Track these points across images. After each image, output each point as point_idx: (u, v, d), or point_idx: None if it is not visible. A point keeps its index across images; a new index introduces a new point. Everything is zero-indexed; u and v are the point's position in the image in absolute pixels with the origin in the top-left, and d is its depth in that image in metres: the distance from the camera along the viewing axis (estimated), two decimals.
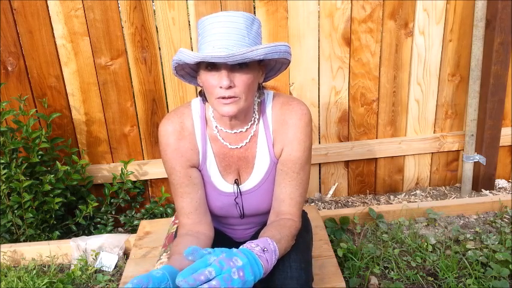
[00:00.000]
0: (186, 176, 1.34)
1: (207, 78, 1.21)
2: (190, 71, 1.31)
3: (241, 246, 1.11)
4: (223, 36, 1.16)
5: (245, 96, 1.21)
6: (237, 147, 1.36)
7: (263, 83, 1.34)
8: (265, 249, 1.12)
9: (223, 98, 1.19)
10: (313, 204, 2.61)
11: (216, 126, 1.34)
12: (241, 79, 1.19)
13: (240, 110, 1.23)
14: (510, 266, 1.95)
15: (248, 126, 1.34)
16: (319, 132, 2.55)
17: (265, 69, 1.33)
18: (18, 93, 2.29)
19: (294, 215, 1.34)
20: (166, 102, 2.41)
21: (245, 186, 1.39)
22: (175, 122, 1.34)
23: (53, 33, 2.23)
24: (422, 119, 2.57)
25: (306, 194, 1.40)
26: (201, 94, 1.35)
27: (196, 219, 1.35)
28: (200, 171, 1.37)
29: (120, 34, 2.26)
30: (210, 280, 0.97)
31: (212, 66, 1.19)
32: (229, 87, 1.18)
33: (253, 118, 1.34)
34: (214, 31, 1.17)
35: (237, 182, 1.38)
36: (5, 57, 2.24)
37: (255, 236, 1.50)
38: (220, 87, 1.18)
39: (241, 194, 1.39)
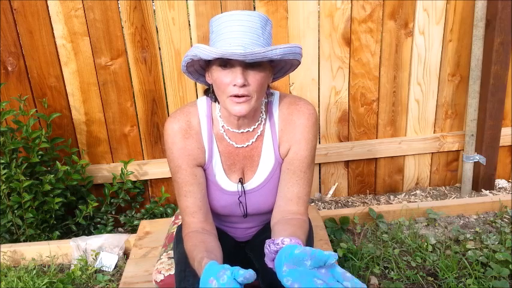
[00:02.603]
0: (192, 175, 1.33)
1: (219, 75, 1.20)
2: (199, 68, 1.31)
3: (290, 243, 1.06)
4: (239, 34, 1.17)
5: (257, 96, 1.21)
6: (242, 146, 1.36)
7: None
8: None
9: (236, 96, 1.19)
10: (313, 204, 2.61)
11: (223, 126, 1.34)
12: (254, 78, 1.19)
13: (251, 110, 1.23)
14: (510, 266, 1.95)
15: (255, 126, 1.34)
16: (319, 132, 2.55)
17: (274, 70, 1.33)
18: (18, 93, 2.29)
19: (303, 214, 1.34)
20: (166, 102, 2.41)
21: (249, 185, 1.39)
22: (181, 121, 1.33)
23: (53, 33, 2.23)
24: (422, 119, 2.57)
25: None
26: (207, 93, 1.35)
27: (202, 218, 1.35)
28: (205, 170, 1.37)
29: (120, 34, 2.26)
30: None
31: (226, 63, 1.19)
32: (243, 85, 1.18)
33: (260, 118, 1.34)
34: (230, 29, 1.17)
35: (241, 181, 1.38)
36: (5, 57, 2.24)
37: (257, 236, 1.50)
38: (234, 85, 1.18)
39: (245, 193, 1.39)
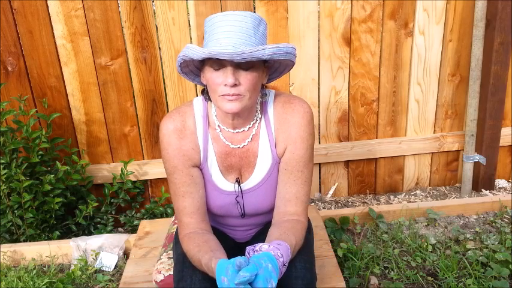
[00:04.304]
0: (188, 175, 1.34)
1: (211, 75, 1.21)
2: (194, 69, 1.31)
3: (267, 250, 1.11)
4: (231, 34, 1.17)
5: (249, 95, 1.22)
6: (238, 147, 1.36)
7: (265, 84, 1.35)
8: (285, 264, 1.13)
9: (228, 95, 1.19)
10: (313, 204, 2.61)
11: (219, 125, 1.34)
12: (246, 78, 1.20)
13: (244, 108, 1.23)
14: (510, 266, 1.95)
15: (250, 126, 1.34)
16: (319, 132, 2.55)
17: (269, 70, 1.33)
18: (18, 93, 2.29)
19: (300, 215, 1.34)
20: (166, 102, 2.41)
21: (246, 185, 1.39)
22: (177, 121, 1.33)
23: (53, 33, 2.23)
24: (422, 119, 2.57)
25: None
26: (204, 93, 1.35)
27: (199, 218, 1.35)
28: (201, 170, 1.37)
29: (120, 34, 2.26)
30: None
31: (218, 63, 1.19)
32: (234, 85, 1.18)
33: (255, 117, 1.34)
34: (222, 29, 1.18)
35: (238, 181, 1.38)
36: (5, 57, 2.24)
37: (257, 237, 1.50)
38: (225, 84, 1.19)
39: (242, 193, 1.39)
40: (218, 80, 1.20)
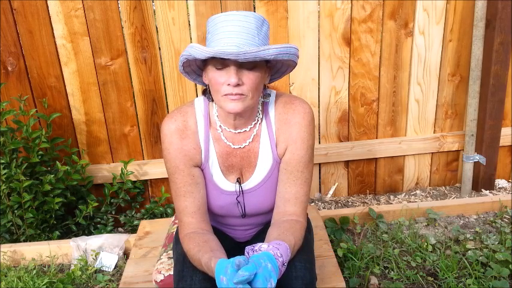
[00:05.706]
0: (190, 175, 1.34)
1: (214, 75, 1.21)
2: (196, 68, 1.32)
3: (267, 250, 1.11)
4: (234, 34, 1.17)
5: (252, 95, 1.22)
6: (240, 147, 1.36)
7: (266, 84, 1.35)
8: (284, 264, 1.13)
9: (231, 94, 1.20)
10: (313, 204, 2.61)
11: (220, 126, 1.35)
12: (249, 78, 1.20)
13: (246, 108, 1.23)
14: (510, 266, 1.95)
15: (251, 126, 1.35)
16: (319, 132, 2.55)
17: (271, 70, 1.33)
18: (18, 93, 2.29)
19: (299, 215, 1.34)
20: (166, 102, 2.42)
21: (247, 185, 1.39)
22: (178, 121, 1.34)
23: (53, 33, 2.23)
24: (422, 119, 2.57)
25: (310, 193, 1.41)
26: (205, 93, 1.35)
27: (200, 218, 1.35)
28: (202, 170, 1.37)
29: (120, 34, 2.26)
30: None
31: (221, 63, 1.20)
32: (237, 84, 1.18)
33: (256, 118, 1.35)
34: (225, 29, 1.18)
35: (239, 181, 1.38)
36: (5, 57, 2.24)
37: (257, 237, 1.50)
38: (228, 84, 1.19)
39: (243, 193, 1.39)
40: (221, 79, 1.20)
